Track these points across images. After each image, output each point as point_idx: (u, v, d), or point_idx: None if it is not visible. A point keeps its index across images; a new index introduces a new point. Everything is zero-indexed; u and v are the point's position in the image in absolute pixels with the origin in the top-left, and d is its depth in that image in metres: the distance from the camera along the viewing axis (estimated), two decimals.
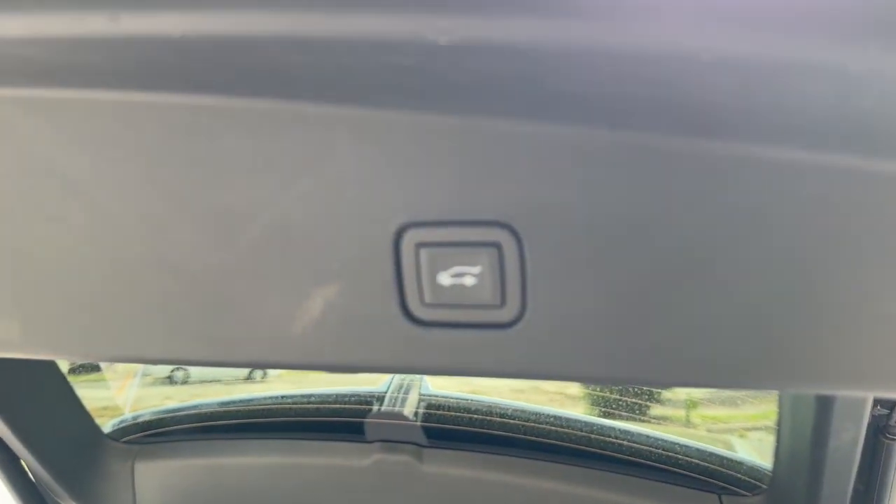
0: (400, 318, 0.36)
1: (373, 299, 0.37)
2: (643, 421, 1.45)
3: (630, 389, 1.45)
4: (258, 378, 2.23)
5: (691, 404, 1.51)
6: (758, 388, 0.37)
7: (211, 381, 2.37)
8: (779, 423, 1.09)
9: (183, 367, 2.23)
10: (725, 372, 0.35)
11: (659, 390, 1.44)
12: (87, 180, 0.38)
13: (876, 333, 0.33)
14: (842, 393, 0.36)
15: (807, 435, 0.95)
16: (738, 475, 1.25)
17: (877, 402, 0.93)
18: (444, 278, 0.35)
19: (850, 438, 0.92)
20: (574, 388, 1.66)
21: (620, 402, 1.46)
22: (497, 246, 0.34)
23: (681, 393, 1.50)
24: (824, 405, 0.89)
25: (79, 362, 1.65)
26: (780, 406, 1.05)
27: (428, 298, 0.36)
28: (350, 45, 0.28)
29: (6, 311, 0.41)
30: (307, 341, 0.37)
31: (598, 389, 1.50)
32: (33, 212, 0.39)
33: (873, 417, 0.93)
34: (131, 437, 1.56)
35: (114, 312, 0.39)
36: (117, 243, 0.39)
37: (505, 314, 0.35)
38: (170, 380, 2.19)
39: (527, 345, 0.35)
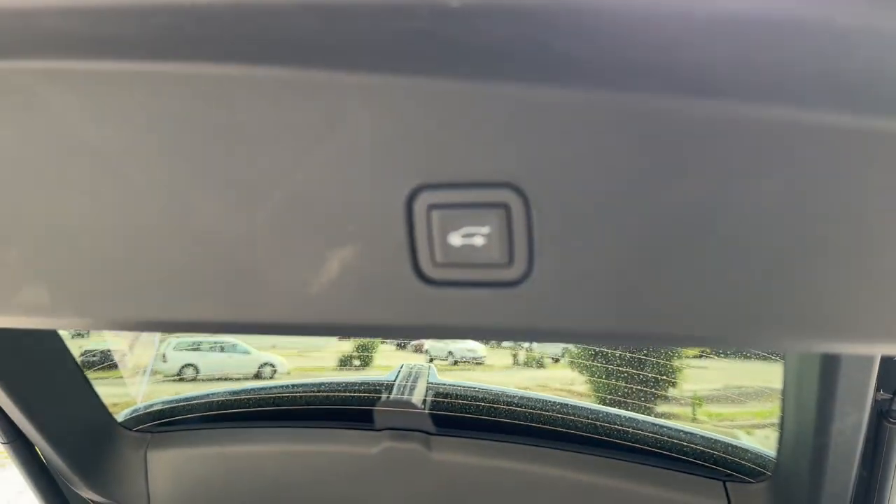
0: (412, 277, 0.38)
1: (387, 260, 0.38)
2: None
3: (636, 382, 1.46)
4: (267, 375, 2.25)
5: (697, 401, 1.53)
6: (762, 346, 0.38)
7: (219, 379, 2.40)
8: (782, 409, 1.10)
9: (193, 364, 2.26)
10: (729, 328, 0.36)
11: (665, 380, 1.46)
12: (113, 150, 0.40)
13: (876, 288, 0.34)
14: (846, 349, 0.38)
15: (810, 420, 0.96)
16: (743, 462, 1.26)
17: (879, 386, 0.94)
18: (455, 239, 0.37)
19: (853, 423, 0.93)
20: (581, 386, 1.68)
21: (626, 404, 1.48)
22: (505, 207, 0.36)
23: (687, 390, 1.51)
24: (827, 389, 0.90)
25: (105, 331, 1.67)
26: (784, 391, 1.06)
27: (439, 258, 0.38)
28: (364, 10, 0.30)
29: (36, 278, 0.43)
30: (324, 303, 0.39)
31: (603, 385, 1.52)
32: (60, 181, 0.41)
33: (876, 402, 0.94)
34: (144, 425, 1.59)
35: (139, 278, 0.41)
36: (142, 211, 0.41)
37: (512, 273, 0.37)
38: (179, 377, 2.22)
39: (534, 302, 0.37)
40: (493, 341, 2.11)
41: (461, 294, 0.38)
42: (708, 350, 1.44)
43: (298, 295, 0.40)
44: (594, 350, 1.58)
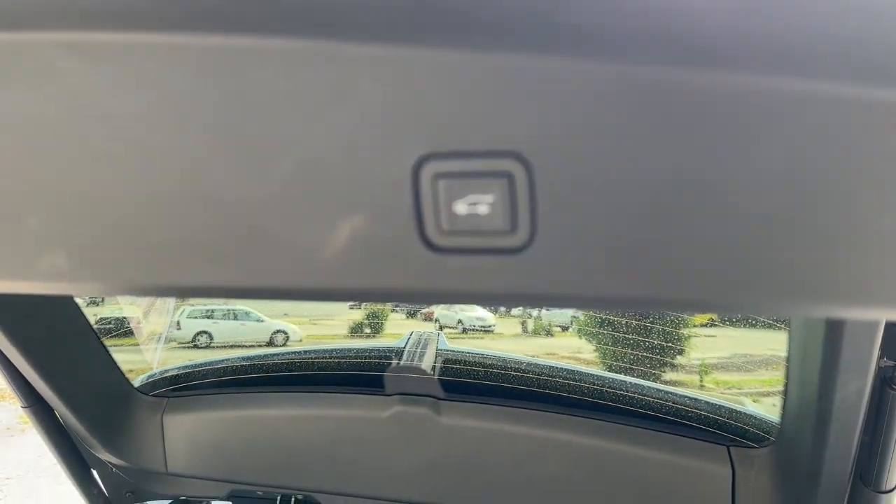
0: (419, 245, 0.39)
1: (394, 228, 0.40)
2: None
3: (642, 350, 1.48)
4: (279, 342, 2.29)
5: (704, 369, 1.54)
6: (764, 311, 0.39)
7: (233, 347, 2.44)
8: (787, 376, 1.11)
9: (207, 332, 2.29)
10: (730, 293, 0.37)
11: (672, 348, 1.47)
12: (129, 119, 0.41)
13: (876, 252, 0.35)
14: (847, 314, 0.39)
15: (814, 386, 0.97)
16: (747, 427, 1.28)
17: (883, 353, 0.94)
18: (460, 207, 0.38)
19: (856, 389, 0.94)
20: (588, 354, 1.70)
21: (632, 370, 1.50)
22: (509, 176, 0.37)
23: (694, 357, 1.52)
24: (831, 356, 0.91)
25: (121, 297, 1.70)
26: (789, 358, 1.07)
27: (445, 226, 0.39)
28: None
29: (55, 245, 0.45)
30: (334, 268, 0.41)
31: (610, 352, 1.54)
32: (78, 149, 0.42)
33: (879, 369, 0.95)
34: (160, 390, 1.62)
35: (156, 244, 0.43)
36: (158, 178, 0.42)
37: (516, 240, 0.38)
38: (193, 345, 2.25)
39: (537, 268, 0.38)
40: (502, 308, 2.13)
41: (466, 261, 0.39)
42: (716, 318, 1.46)
43: (309, 260, 0.41)
44: (601, 318, 1.60)
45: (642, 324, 1.50)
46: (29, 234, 0.44)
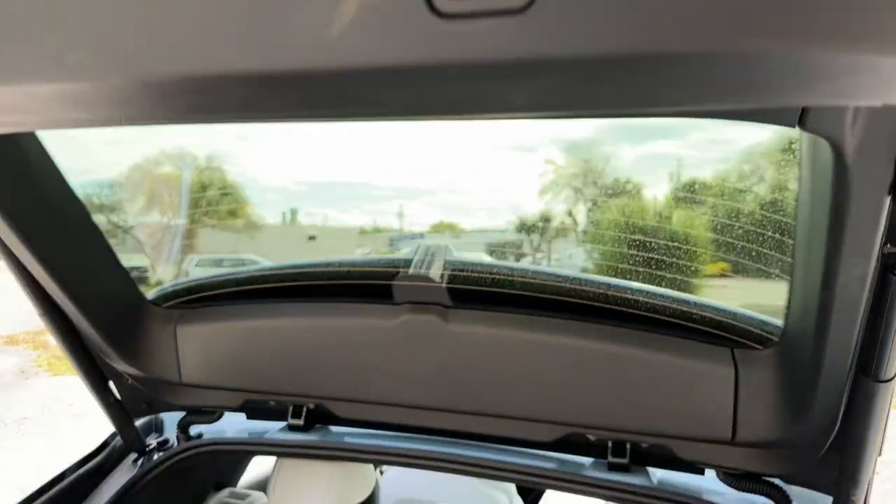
0: (426, 11, 0.40)
1: None
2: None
3: (648, 251, 1.48)
4: None
5: (709, 273, 1.54)
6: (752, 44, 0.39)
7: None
8: (791, 271, 1.12)
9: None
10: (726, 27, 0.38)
11: (678, 249, 1.48)
12: None
13: None
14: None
15: (817, 275, 0.98)
16: (751, 328, 1.29)
17: (887, 240, 0.95)
18: None
19: (859, 275, 0.95)
20: (593, 262, 1.70)
21: (637, 274, 1.51)
22: None
23: (700, 262, 1.52)
24: (835, 242, 0.91)
25: (141, 122, 1.69)
26: (794, 247, 1.08)
27: None
28: None
29: (78, 40, 0.46)
30: (343, 44, 0.42)
31: (616, 254, 1.55)
32: None
33: (882, 255, 0.95)
34: (173, 302, 1.65)
35: (171, 27, 0.44)
36: None
37: (519, 0, 0.39)
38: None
39: (540, 28, 0.39)
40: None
41: (472, 25, 0.40)
42: (723, 218, 1.45)
43: (319, 37, 0.42)
44: (608, 222, 1.61)
45: (647, 223, 1.50)
46: (54, 28, 0.45)
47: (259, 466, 2.56)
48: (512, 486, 2.43)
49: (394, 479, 3.03)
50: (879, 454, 1.31)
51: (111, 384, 1.73)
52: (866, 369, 1.06)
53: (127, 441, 1.79)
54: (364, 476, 2.14)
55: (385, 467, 3.46)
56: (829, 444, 1.26)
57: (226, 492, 2.25)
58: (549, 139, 1.54)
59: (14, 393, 7.55)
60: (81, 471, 1.75)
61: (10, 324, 9.97)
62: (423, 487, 2.36)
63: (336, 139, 1.63)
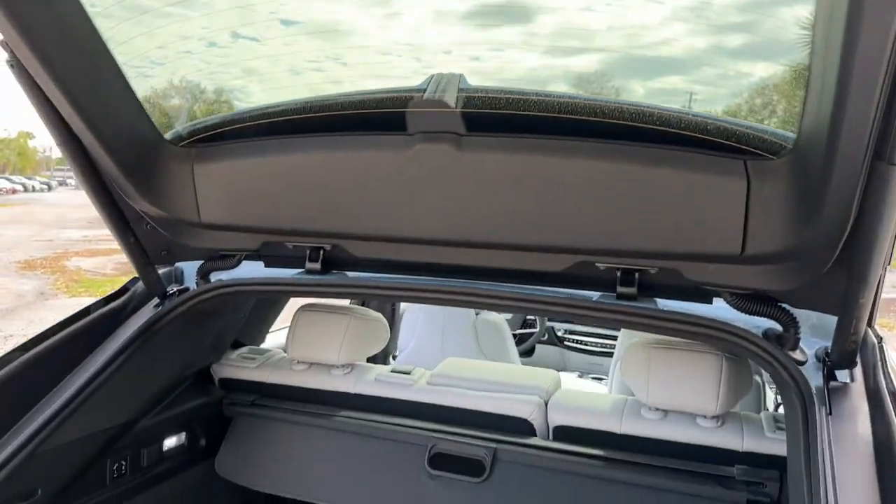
0: None
1: None
2: None
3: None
4: None
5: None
6: None
7: None
8: (808, 76, 1.11)
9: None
10: None
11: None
12: None
13: None
14: None
15: (835, 58, 0.97)
16: (764, 137, 1.29)
17: None
18: None
19: (876, 47, 0.94)
20: None
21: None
22: None
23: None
24: (854, 16, 0.90)
25: None
26: (814, 29, 1.07)
27: None
28: None
29: None
30: None
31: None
32: None
33: None
34: (189, 140, 1.67)
35: None
36: None
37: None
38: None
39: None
40: None
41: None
42: None
43: None
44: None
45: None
46: None
47: (276, 338, 2.63)
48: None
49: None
50: (889, 261, 1.32)
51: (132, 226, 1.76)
52: (881, 153, 1.06)
53: (148, 283, 1.83)
54: (379, 329, 2.20)
55: (399, 349, 3.55)
56: (837, 253, 1.27)
57: (245, 348, 2.32)
58: (556, 75, 1.52)
59: (36, 311, 7.73)
60: (104, 309, 1.80)
61: (26, 250, 10.12)
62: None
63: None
